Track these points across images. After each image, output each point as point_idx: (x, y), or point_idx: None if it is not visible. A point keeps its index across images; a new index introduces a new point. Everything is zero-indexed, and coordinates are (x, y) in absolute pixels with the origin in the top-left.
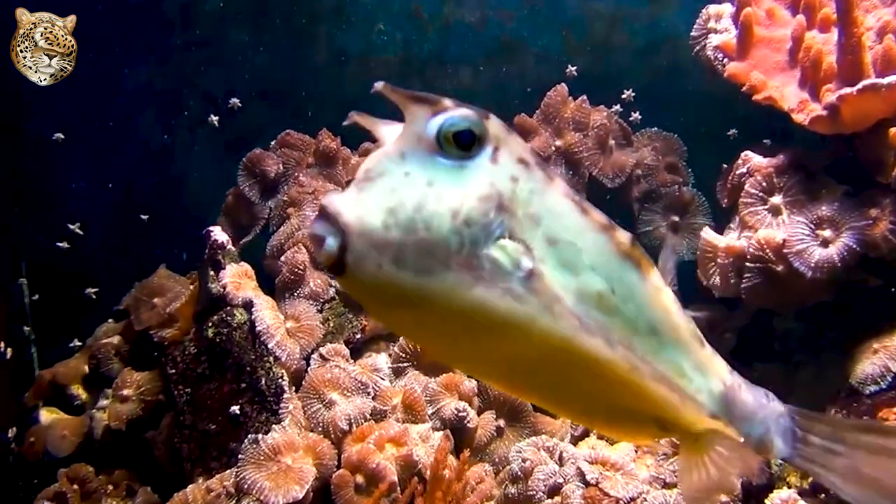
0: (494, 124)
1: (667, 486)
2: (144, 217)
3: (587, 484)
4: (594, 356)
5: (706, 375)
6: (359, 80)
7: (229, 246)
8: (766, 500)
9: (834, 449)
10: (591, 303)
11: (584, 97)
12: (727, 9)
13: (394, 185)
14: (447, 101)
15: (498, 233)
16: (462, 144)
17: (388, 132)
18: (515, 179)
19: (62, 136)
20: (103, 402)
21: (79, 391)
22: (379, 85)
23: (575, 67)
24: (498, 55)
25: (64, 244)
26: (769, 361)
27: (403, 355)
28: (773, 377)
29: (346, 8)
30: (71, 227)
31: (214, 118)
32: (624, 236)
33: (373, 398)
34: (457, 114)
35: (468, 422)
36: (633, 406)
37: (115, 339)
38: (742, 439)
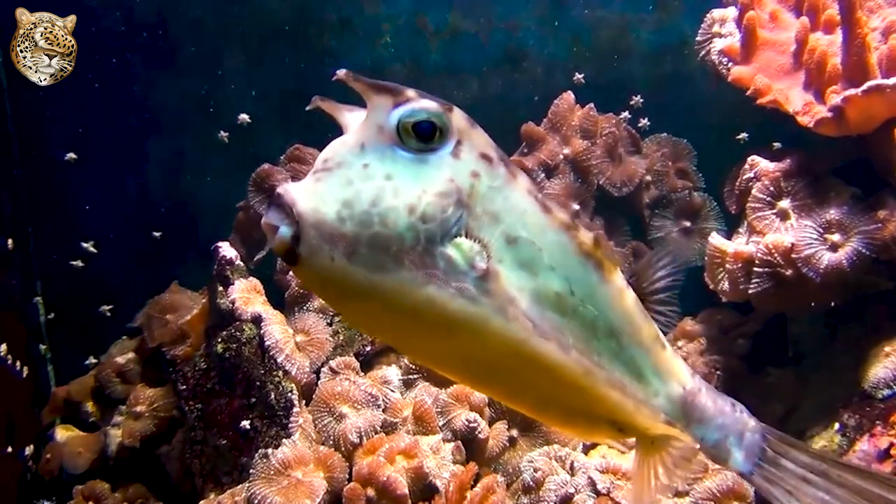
0: (458, 117)
1: (678, 494)
2: (157, 234)
3: (598, 493)
4: (547, 360)
5: (665, 379)
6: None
7: (237, 261)
8: None
9: (809, 479)
10: (548, 304)
11: (592, 104)
12: (731, 13)
13: (351, 176)
14: (410, 92)
15: (455, 230)
16: (423, 136)
17: (353, 119)
18: (477, 175)
19: (74, 157)
20: (118, 419)
21: (92, 408)
22: (341, 72)
23: (582, 75)
24: (504, 64)
25: (78, 263)
26: (782, 366)
27: (414, 367)
28: (786, 382)
29: (352, 21)
30: (85, 245)
31: (224, 134)
32: (586, 236)
33: (383, 410)
34: (418, 105)
35: (479, 432)
36: (588, 408)
37: (121, 359)
38: (697, 444)
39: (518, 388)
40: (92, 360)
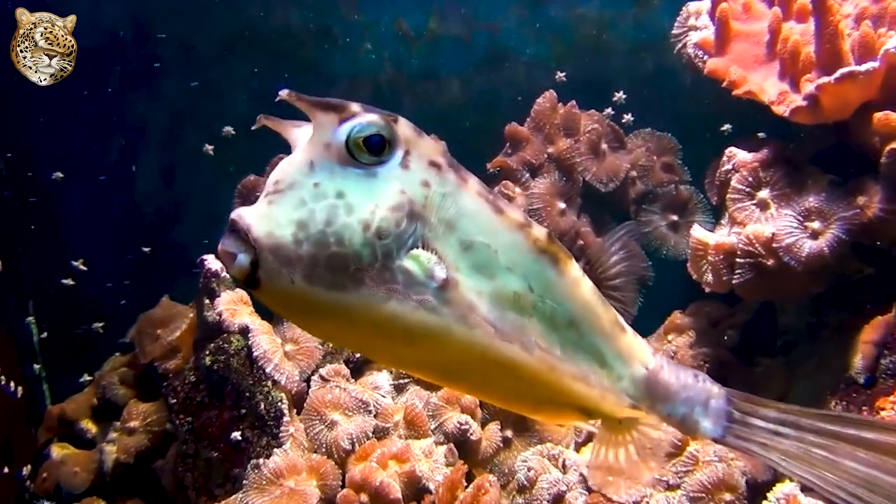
0: (404, 127)
1: (670, 488)
2: (146, 249)
3: (590, 490)
4: (511, 361)
5: (628, 362)
6: (350, 100)
7: (224, 273)
8: (768, 494)
9: (781, 431)
10: (507, 304)
11: (574, 102)
12: (706, 5)
13: (303, 197)
14: (354, 107)
15: (411, 242)
16: (372, 150)
17: (301, 134)
18: (427, 184)
19: (62, 175)
20: (112, 435)
21: (88, 425)
22: (283, 93)
23: (564, 73)
24: (486, 66)
25: (69, 281)
26: (772, 356)
27: (404, 372)
28: (775, 371)
29: (332, 30)
30: (74, 263)
31: (209, 147)
32: (540, 232)
33: (374, 416)
34: (364, 119)
35: (471, 434)
36: (556, 399)
37: (123, 372)
38: (665, 422)
39: (486, 385)
40: (86, 377)
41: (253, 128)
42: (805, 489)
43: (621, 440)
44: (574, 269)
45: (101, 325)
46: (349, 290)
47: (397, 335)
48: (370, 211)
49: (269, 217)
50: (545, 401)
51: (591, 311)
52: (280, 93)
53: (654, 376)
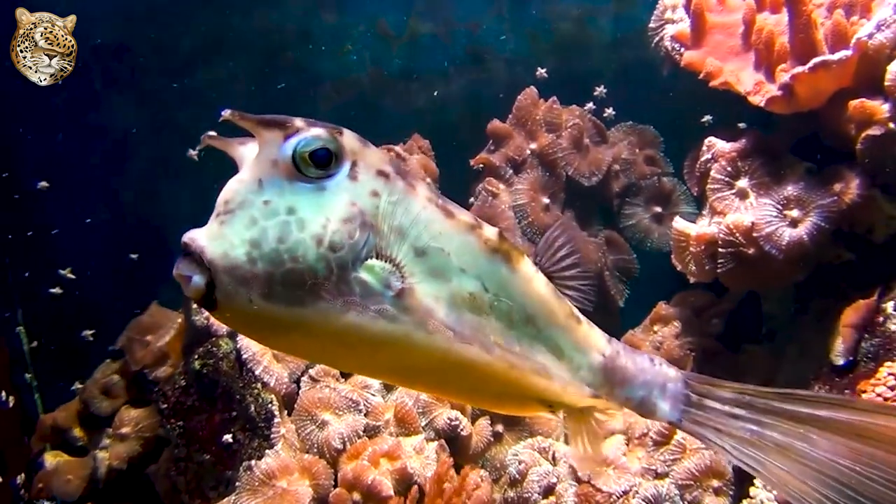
0: (349, 139)
1: (658, 476)
2: (134, 256)
3: (580, 481)
4: (472, 363)
5: (585, 351)
6: (333, 101)
7: None
8: (754, 481)
9: (736, 413)
10: (464, 306)
11: (555, 98)
12: None
13: (254, 215)
14: (298, 122)
15: (365, 253)
16: (319, 163)
17: (247, 152)
18: (377, 194)
19: (47, 185)
20: (105, 442)
21: (80, 433)
22: (226, 113)
23: (545, 69)
24: (467, 64)
25: (57, 290)
26: (757, 343)
27: None
28: (760, 358)
29: (312, 32)
30: (62, 272)
31: (193, 152)
32: (490, 232)
33: (365, 415)
34: (309, 134)
35: (461, 430)
36: (518, 393)
37: (114, 379)
38: (623, 407)
39: (451, 384)
40: (78, 385)
41: (198, 148)
42: None
43: (585, 429)
44: (527, 265)
45: (91, 332)
46: (307, 304)
47: (359, 345)
48: (322, 225)
49: (221, 238)
50: (508, 397)
51: (546, 305)
52: (223, 113)
53: (611, 363)
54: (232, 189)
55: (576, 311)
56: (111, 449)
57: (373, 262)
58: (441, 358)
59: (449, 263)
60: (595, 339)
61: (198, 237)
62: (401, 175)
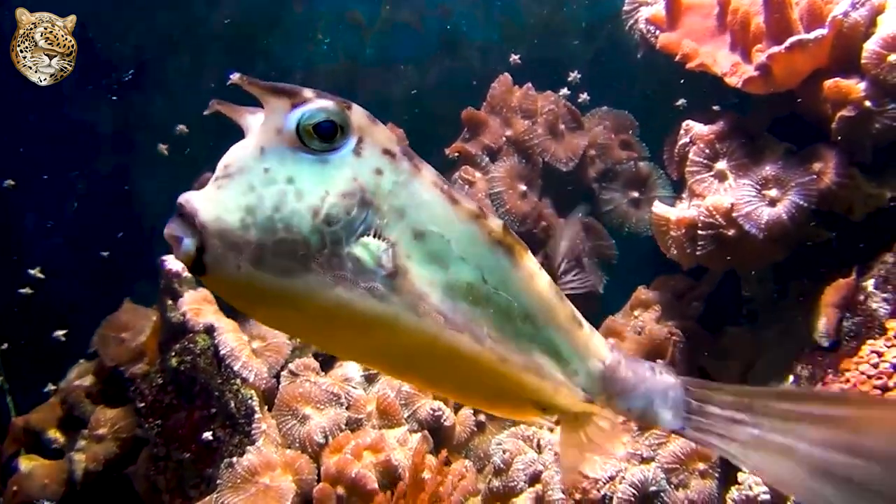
0: (357, 114)
1: (644, 461)
2: (105, 253)
3: None
4: (461, 352)
5: (584, 357)
6: None
7: (185, 273)
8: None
9: (737, 418)
10: (460, 295)
11: (529, 84)
12: None
13: (252, 182)
14: (308, 92)
15: (361, 230)
16: (324, 136)
17: (255, 121)
18: (380, 172)
19: (13, 183)
20: (81, 444)
21: (55, 435)
22: (235, 76)
23: (518, 55)
24: (440, 52)
25: (27, 290)
26: (738, 325)
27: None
28: (742, 340)
29: (283, 22)
30: (31, 272)
31: (164, 146)
32: (495, 223)
33: (347, 408)
34: (316, 105)
35: (445, 420)
36: (509, 391)
37: (88, 380)
38: (622, 416)
39: (441, 376)
40: (51, 386)
41: (206, 112)
42: None
43: (579, 436)
44: (530, 261)
45: (62, 332)
46: (296, 275)
47: (345, 322)
48: (320, 197)
49: (216, 201)
50: (500, 395)
51: (546, 304)
52: (231, 76)
53: (611, 372)
54: (233, 154)
55: (578, 315)
56: (87, 451)
57: (368, 239)
58: (429, 343)
59: (448, 250)
60: (596, 346)
61: (193, 199)
62: (407, 156)
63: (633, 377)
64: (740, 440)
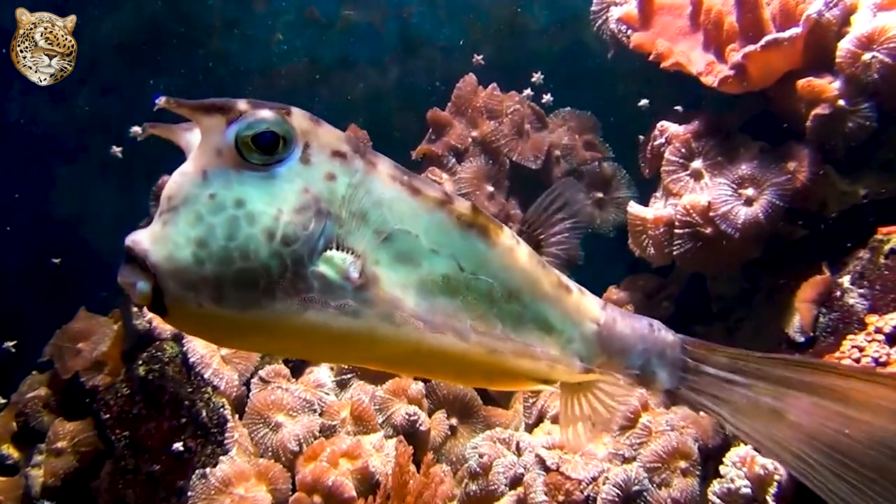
0: (298, 118)
1: (626, 460)
2: (56, 261)
3: (548, 470)
4: (446, 352)
5: (577, 322)
6: (264, 93)
7: None
8: (724, 459)
9: (732, 379)
10: (437, 290)
11: (494, 84)
12: None
13: (200, 211)
14: (241, 104)
15: (322, 244)
16: (266, 148)
17: (194, 139)
18: (332, 177)
19: None
20: (38, 458)
21: (9, 450)
22: (161, 100)
23: (482, 56)
24: (402, 52)
25: None
26: (709, 323)
27: (346, 367)
28: (713, 338)
29: (240, 22)
30: None
31: (117, 149)
32: (463, 206)
33: (320, 415)
34: (253, 116)
35: (420, 425)
36: (507, 371)
37: (42, 392)
38: (621, 378)
39: (435, 369)
40: (1, 400)
41: (139, 139)
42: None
43: (581, 402)
44: (506, 236)
45: (12, 344)
46: (263, 306)
47: (323, 342)
48: (273, 217)
49: (165, 239)
50: (497, 375)
51: (530, 277)
52: (157, 101)
53: (608, 331)
54: (175, 183)
55: (565, 279)
56: (45, 465)
57: (331, 253)
58: (413, 350)
59: (418, 246)
60: (588, 307)
61: (140, 240)
62: (359, 153)
63: (631, 335)
64: (732, 402)
